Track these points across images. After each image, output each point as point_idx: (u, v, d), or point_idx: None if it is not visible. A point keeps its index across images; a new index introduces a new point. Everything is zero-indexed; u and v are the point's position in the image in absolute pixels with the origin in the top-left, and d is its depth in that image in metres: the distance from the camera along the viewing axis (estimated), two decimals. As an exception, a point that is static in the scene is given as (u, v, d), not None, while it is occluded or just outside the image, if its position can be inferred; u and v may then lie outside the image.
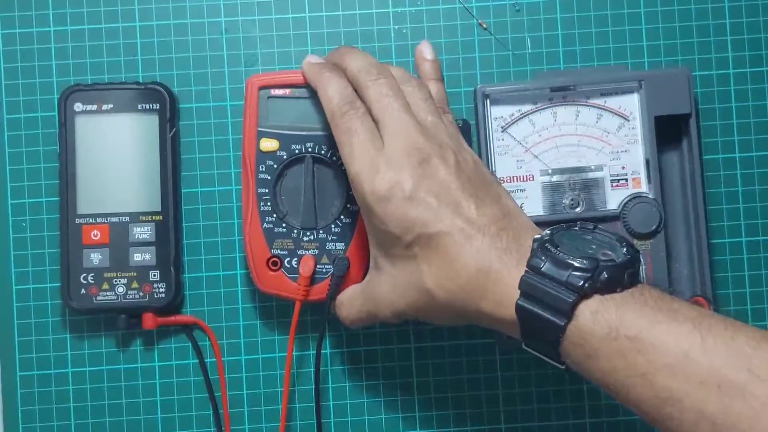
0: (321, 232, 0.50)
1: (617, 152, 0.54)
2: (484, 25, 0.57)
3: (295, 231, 0.50)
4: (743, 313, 0.55)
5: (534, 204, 0.53)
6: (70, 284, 0.54)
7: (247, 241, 0.50)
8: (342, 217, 0.50)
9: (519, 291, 0.40)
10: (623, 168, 0.54)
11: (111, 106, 0.54)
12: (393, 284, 0.44)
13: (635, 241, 0.53)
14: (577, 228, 0.44)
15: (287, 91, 0.50)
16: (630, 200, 0.53)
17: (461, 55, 0.56)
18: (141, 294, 0.54)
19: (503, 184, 0.54)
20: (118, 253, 0.54)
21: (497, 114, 0.54)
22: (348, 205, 0.50)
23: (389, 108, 0.44)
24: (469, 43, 0.56)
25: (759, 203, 0.56)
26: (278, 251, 0.50)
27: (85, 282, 0.54)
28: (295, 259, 0.50)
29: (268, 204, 0.50)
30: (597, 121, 0.54)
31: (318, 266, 0.50)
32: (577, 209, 0.53)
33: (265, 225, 0.50)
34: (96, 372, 0.55)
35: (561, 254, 0.40)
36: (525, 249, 0.41)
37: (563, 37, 0.56)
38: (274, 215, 0.50)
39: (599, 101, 0.54)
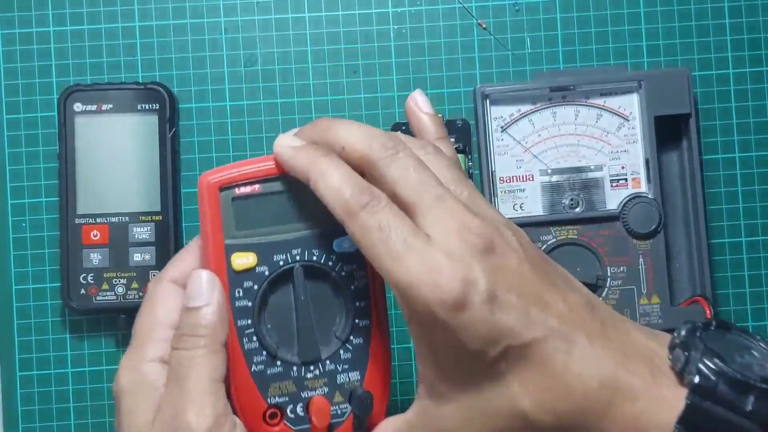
0: (328, 362, 0.37)
1: (617, 152, 0.54)
2: (484, 25, 0.57)
3: (295, 368, 0.37)
4: (743, 313, 0.55)
5: (533, 204, 0.53)
6: (69, 284, 0.54)
7: (233, 393, 0.36)
8: (351, 337, 0.38)
9: (675, 417, 0.31)
10: (623, 168, 0.54)
11: (111, 106, 0.54)
12: (467, 416, 0.33)
13: (634, 241, 0.53)
14: (713, 327, 0.34)
15: (256, 187, 0.37)
16: (630, 200, 0.53)
17: (460, 55, 0.56)
18: (141, 294, 0.54)
19: (503, 185, 0.54)
20: (117, 253, 0.54)
21: (497, 114, 0.54)
22: (356, 321, 0.38)
23: (424, 187, 0.33)
24: (469, 43, 0.56)
25: (758, 203, 0.56)
26: (276, 399, 0.37)
27: (84, 282, 0.54)
28: (300, 404, 0.37)
29: (254, 339, 0.37)
30: (597, 121, 0.54)
31: (332, 408, 0.38)
32: (577, 209, 0.53)
33: (254, 368, 0.37)
34: (96, 372, 0.55)
35: (735, 372, 0.30)
36: (651, 353, 0.32)
37: (563, 37, 0.56)
38: (264, 352, 0.37)
39: (599, 101, 0.54)
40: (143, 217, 0.54)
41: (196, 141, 0.56)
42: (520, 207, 0.53)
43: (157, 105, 0.54)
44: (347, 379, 0.38)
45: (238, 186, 0.37)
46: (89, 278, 0.54)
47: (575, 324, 0.32)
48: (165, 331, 0.37)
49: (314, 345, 0.37)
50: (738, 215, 0.56)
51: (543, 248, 0.53)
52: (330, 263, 0.37)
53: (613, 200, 0.54)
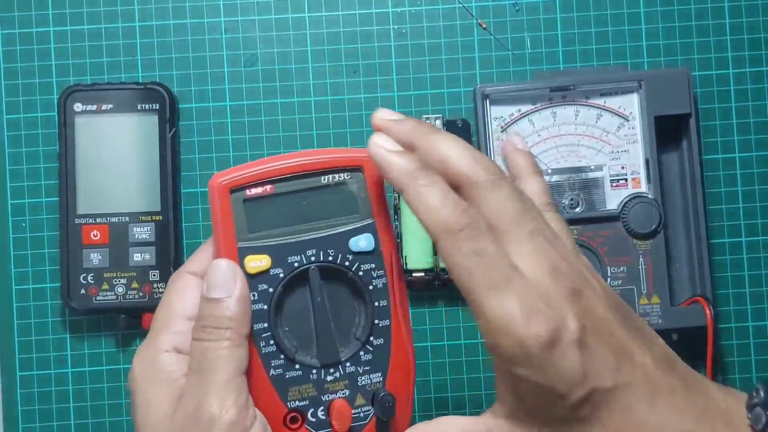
0: (348, 364, 0.37)
1: (617, 152, 0.54)
2: (484, 25, 0.57)
3: (314, 371, 0.37)
4: (743, 313, 0.55)
5: (534, 204, 0.53)
6: (69, 284, 0.54)
7: (252, 398, 0.36)
8: (371, 338, 0.37)
9: None
10: (623, 168, 0.54)
11: (111, 106, 0.54)
12: None
13: (634, 241, 0.53)
14: None
15: (268, 187, 0.36)
16: (630, 200, 0.53)
17: (461, 55, 0.56)
18: (141, 294, 0.54)
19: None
20: (117, 253, 0.54)
21: (497, 114, 0.54)
22: (376, 321, 0.37)
23: (521, 219, 0.33)
24: (469, 43, 0.56)
25: (759, 203, 0.56)
26: (297, 403, 0.36)
27: (84, 282, 0.54)
28: (321, 408, 0.37)
29: (271, 343, 0.36)
30: (597, 121, 0.54)
31: (354, 411, 0.37)
32: (577, 209, 0.53)
33: (272, 372, 0.36)
34: (96, 372, 0.55)
35: None
36: (730, 411, 0.33)
37: (563, 37, 0.56)
38: (282, 356, 0.36)
39: (599, 101, 0.54)
40: (143, 217, 0.54)
41: (196, 141, 0.56)
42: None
43: (157, 105, 0.54)
44: (368, 381, 0.37)
45: (250, 187, 0.36)
46: (89, 278, 0.54)
47: (658, 376, 0.32)
48: (180, 322, 0.36)
49: (333, 347, 0.36)
50: (738, 215, 0.56)
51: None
52: (347, 263, 0.37)
53: (613, 200, 0.54)
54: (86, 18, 0.56)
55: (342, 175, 0.37)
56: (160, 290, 0.54)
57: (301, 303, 0.37)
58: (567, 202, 0.53)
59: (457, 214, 0.32)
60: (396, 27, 0.57)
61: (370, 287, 0.37)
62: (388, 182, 0.35)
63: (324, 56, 0.56)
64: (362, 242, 0.37)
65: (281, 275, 0.36)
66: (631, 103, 0.54)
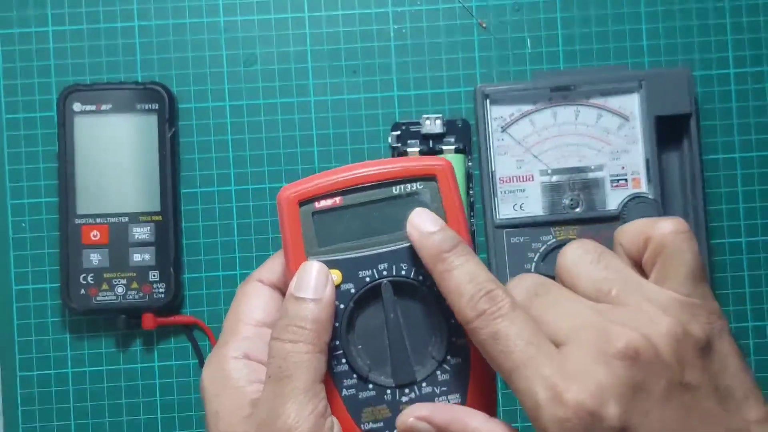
0: (424, 384, 0.35)
1: (617, 152, 0.54)
2: (484, 25, 0.56)
3: (389, 391, 0.35)
4: (743, 314, 0.55)
5: (534, 204, 0.53)
6: (69, 285, 0.54)
7: None
8: (448, 357, 0.35)
9: None
10: (623, 168, 0.54)
11: (110, 106, 0.54)
12: None
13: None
14: None
15: (337, 199, 0.35)
16: (630, 200, 0.53)
17: (461, 54, 0.56)
18: (140, 294, 0.54)
19: (503, 185, 0.54)
20: (117, 253, 0.54)
21: (497, 114, 0.54)
22: (453, 338, 0.35)
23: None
24: (469, 42, 0.56)
25: (759, 203, 0.56)
26: (371, 425, 0.34)
27: (84, 282, 0.54)
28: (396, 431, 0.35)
29: (343, 361, 0.34)
30: (597, 121, 0.54)
31: None
32: (577, 209, 0.53)
33: (344, 392, 0.34)
34: (96, 372, 0.55)
35: None
36: None
37: (563, 37, 0.56)
38: (354, 375, 0.34)
39: (599, 101, 0.54)
40: (143, 217, 0.54)
41: (196, 141, 0.56)
42: (520, 207, 0.53)
43: (157, 105, 0.54)
44: (446, 403, 0.35)
45: (319, 199, 0.35)
46: (89, 278, 0.54)
47: None
48: (248, 328, 0.35)
49: (408, 366, 0.34)
50: (738, 215, 0.56)
51: (543, 249, 0.53)
52: (421, 277, 0.35)
53: (613, 200, 0.53)
54: (85, 17, 0.56)
55: (414, 185, 0.35)
56: (160, 290, 0.54)
57: (373, 320, 0.35)
58: (567, 203, 0.53)
59: (474, 301, 0.31)
60: (396, 27, 0.56)
61: (445, 302, 0.33)
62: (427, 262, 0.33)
63: (323, 56, 0.56)
64: None
65: (352, 290, 0.34)
66: (631, 103, 0.53)
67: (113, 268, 0.54)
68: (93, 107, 0.54)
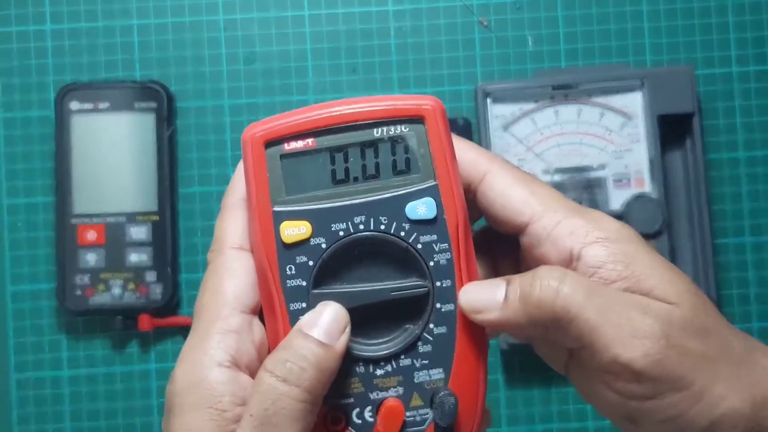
0: (403, 356, 0.30)
1: (620, 151, 0.53)
2: (485, 23, 0.56)
3: (361, 363, 0.30)
4: (747, 314, 0.55)
5: (535, 203, 0.53)
6: (65, 285, 0.53)
7: None
8: (431, 326, 0.30)
9: None
10: (626, 167, 0.53)
11: (107, 104, 0.54)
12: None
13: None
14: None
15: (309, 141, 0.30)
16: (633, 200, 0.52)
17: (462, 53, 0.56)
18: (137, 295, 0.53)
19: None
20: (114, 253, 0.53)
21: (498, 112, 0.53)
22: (438, 305, 0.30)
23: None
24: (470, 41, 0.56)
25: (763, 203, 0.55)
26: (339, 400, 0.30)
27: (80, 283, 0.53)
28: (369, 408, 0.30)
29: None
30: (599, 120, 0.53)
31: (408, 414, 0.30)
32: (580, 209, 0.53)
33: None
34: (92, 374, 0.55)
35: None
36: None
37: (565, 35, 0.56)
38: None
39: (601, 99, 0.53)
40: (140, 217, 0.53)
41: (194, 140, 0.56)
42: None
43: (155, 103, 0.54)
44: (427, 378, 0.30)
45: (288, 140, 0.30)
46: (85, 279, 0.53)
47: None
48: (235, 317, 0.30)
49: (386, 335, 0.30)
50: (742, 215, 0.55)
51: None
52: (402, 233, 0.30)
53: (616, 200, 0.53)
54: (83, 16, 0.56)
55: (399, 127, 0.31)
56: (157, 291, 0.53)
57: (346, 281, 0.30)
58: (569, 202, 0.53)
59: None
60: (396, 25, 0.56)
61: (431, 263, 0.30)
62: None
63: (323, 54, 0.56)
64: (421, 208, 0.30)
65: (323, 246, 0.30)
66: (634, 102, 0.53)
67: (109, 269, 0.53)
68: (90, 106, 0.54)
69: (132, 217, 0.53)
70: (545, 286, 0.28)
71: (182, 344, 0.55)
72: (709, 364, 0.28)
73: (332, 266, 0.30)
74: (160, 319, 0.54)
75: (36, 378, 0.54)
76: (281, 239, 0.30)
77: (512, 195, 0.31)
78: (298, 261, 0.30)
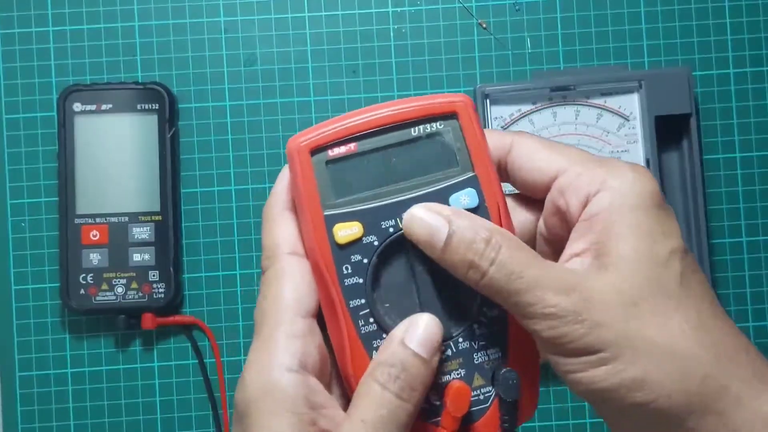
0: (461, 340, 0.32)
1: (617, 152, 0.54)
2: (484, 25, 0.56)
3: None
4: (744, 314, 0.55)
5: (534, 204, 0.53)
6: (69, 284, 0.53)
7: (352, 385, 0.31)
8: (484, 309, 0.32)
9: None
10: (623, 168, 0.54)
11: (110, 106, 0.54)
12: None
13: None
14: None
15: (352, 146, 0.32)
16: (630, 200, 0.53)
17: (461, 54, 0.56)
18: (140, 294, 0.54)
19: (503, 186, 0.54)
20: (117, 253, 0.54)
21: (497, 114, 0.54)
22: None
23: None
24: (469, 42, 0.56)
25: (759, 203, 0.56)
26: None
27: (84, 282, 0.54)
28: (433, 392, 0.31)
29: (371, 321, 0.32)
30: (597, 121, 0.54)
31: (473, 394, 0.32)
32: (577, 209, 0.53)
33: (375, 355, 0.31)
34: (95, 372, 0.55)
35: None
36: None
37: (563, 37, 0.56)
38: (384, 335, 0.31)
39: (599, 101, 0.54)
40: (143, 217, 0.54)
41: (196, 141, 0.56)
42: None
43: (157, 105, 0.54)
44: (486, 358, 0.32)
45: (331, 147, 0.32)
46: (88, 278, 0.54)
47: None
48: (298, 322, 0.30)
49: (444, 320, 0.31)
50: (739, 215, 0.56)
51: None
52: None
53: (613, 200, 0.53)
54: (85, 17, 0.56)
55: (434, 124, 0.32)
56: (160, 290, 0.54)
57: (401, 274, 0.32)
58: (567, 202, 0.53)
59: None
60: (396, 27, 0.56)
61: None
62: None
63: (324, 56, 0.56)
64: (464, 198, 0.32)
65: (375, 243, 0.31)
66: (631, 103, 0.53)
67: (113, 268, 0.54)
68: (93, 107, 0.54)
69: (135, 218, 0.54)
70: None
71: (185, 343, 0.56)
72: (633, 332, 0.28)
73: (385, 262, 0.32)
74: (162, 318, 0.54)
75: (40, 376, 0.55)
76: (335, 240, 0.31)
77: (539, 156, 0.32)
78: (353, 260, 0.31)
